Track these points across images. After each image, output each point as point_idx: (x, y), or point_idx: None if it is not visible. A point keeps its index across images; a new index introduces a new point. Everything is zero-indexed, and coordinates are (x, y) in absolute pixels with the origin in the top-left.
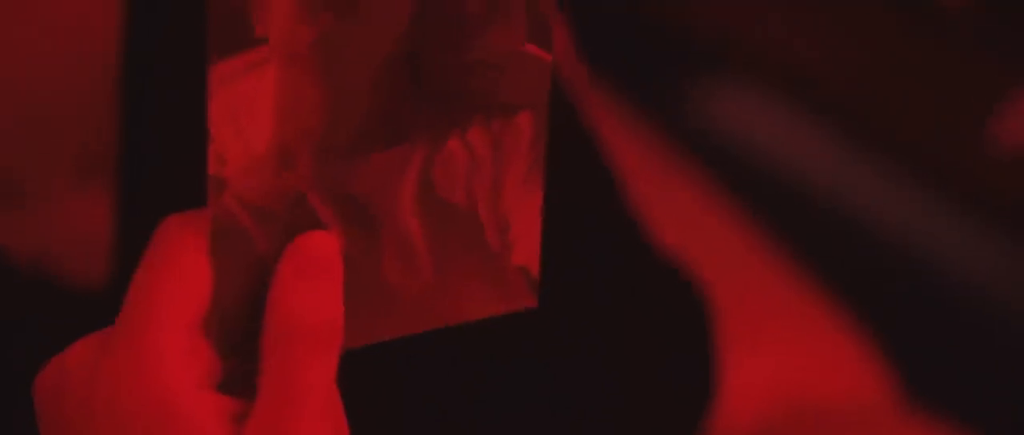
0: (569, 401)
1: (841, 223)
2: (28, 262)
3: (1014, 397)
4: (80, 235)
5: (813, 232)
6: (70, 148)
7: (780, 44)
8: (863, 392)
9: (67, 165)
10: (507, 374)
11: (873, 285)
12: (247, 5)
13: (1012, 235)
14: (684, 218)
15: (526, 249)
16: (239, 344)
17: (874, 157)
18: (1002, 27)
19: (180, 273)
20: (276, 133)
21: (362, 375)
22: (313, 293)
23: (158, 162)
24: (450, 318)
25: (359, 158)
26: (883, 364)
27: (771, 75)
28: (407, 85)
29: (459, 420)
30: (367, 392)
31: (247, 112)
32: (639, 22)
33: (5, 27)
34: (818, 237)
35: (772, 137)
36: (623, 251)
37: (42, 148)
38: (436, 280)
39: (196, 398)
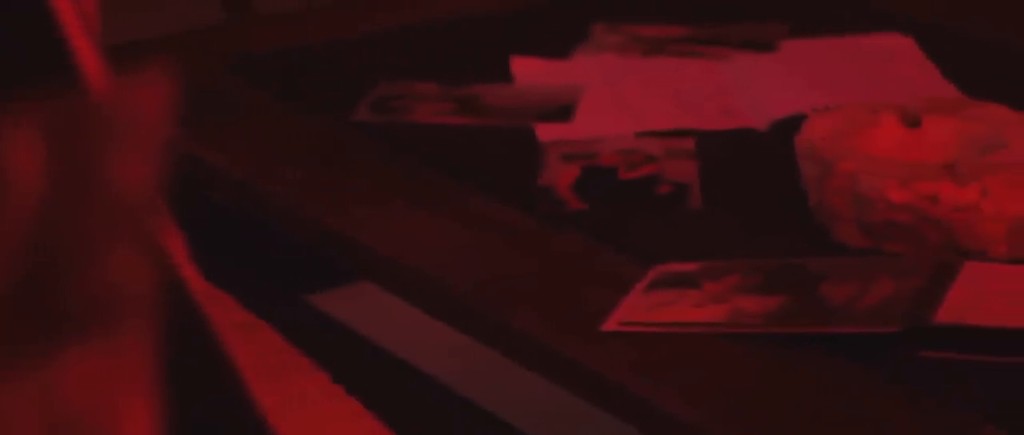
0: None
1: (460, 414)
2: None
3: None
4: None
5: (438, 424)
6: None
7: (398, 243)
8: None
9: None
10: None
11: None
12: None
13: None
14: (306, 415)
15: None
16: None
17: (496, 355)
18: (617, 228)
19: None
20: None
21: None
22: None
23: None
24: None
25: None
26: None
27: (387, 273)
28: (27, 308)
29: None
30: None
31: None
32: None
33: None
34: (438, 426)
35: (391, 333)
36: None
37: None
38: None
39: None
